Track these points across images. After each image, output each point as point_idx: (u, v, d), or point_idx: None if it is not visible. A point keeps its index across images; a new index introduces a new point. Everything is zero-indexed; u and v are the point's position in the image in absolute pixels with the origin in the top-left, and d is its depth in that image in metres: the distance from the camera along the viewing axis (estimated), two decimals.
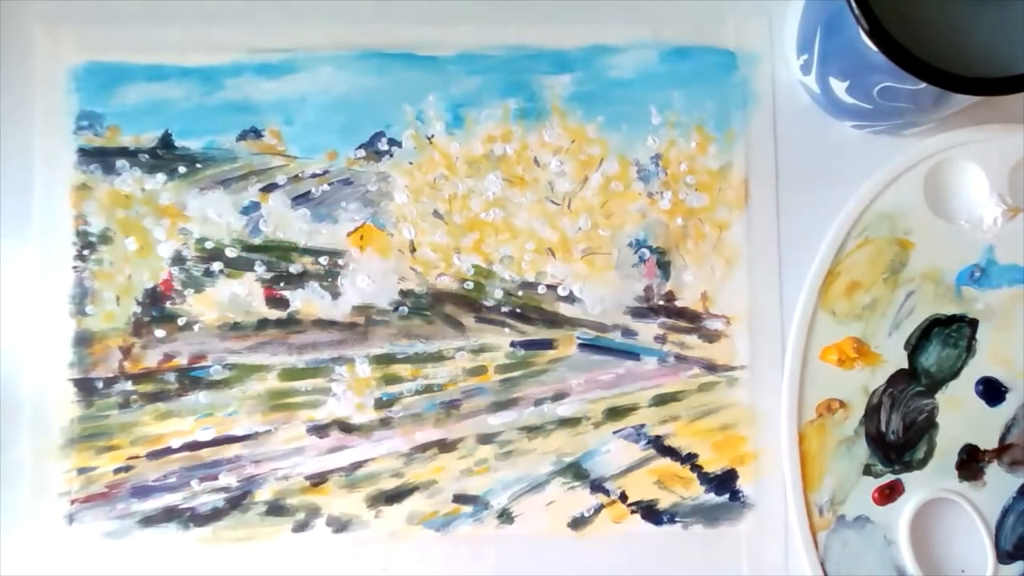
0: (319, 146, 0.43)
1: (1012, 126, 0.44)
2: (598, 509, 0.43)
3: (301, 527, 0.42)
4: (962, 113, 0.42)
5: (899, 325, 0.44)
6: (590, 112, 0.44)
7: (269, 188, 0.43)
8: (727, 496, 0.43)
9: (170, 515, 0.42)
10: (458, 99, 0.44)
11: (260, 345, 0.43)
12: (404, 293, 0.43)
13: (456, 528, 0.43)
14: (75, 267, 0.42)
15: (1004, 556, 0.43)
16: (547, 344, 0.43)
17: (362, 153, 0.43)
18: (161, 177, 0.43)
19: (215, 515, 0.42)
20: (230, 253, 0.43)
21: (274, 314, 0.43)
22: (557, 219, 0.44)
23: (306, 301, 0.43)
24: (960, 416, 0.44)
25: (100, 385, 0.42)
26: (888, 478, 0.43)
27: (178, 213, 0.43)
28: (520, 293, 0.43)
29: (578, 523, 0.43)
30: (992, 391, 0.44)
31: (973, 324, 0.44)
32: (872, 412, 0.44)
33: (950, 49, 0.38)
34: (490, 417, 0.43)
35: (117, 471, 0.42)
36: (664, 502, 0.43)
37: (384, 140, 0.43)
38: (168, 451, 0.42)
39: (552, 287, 0.44)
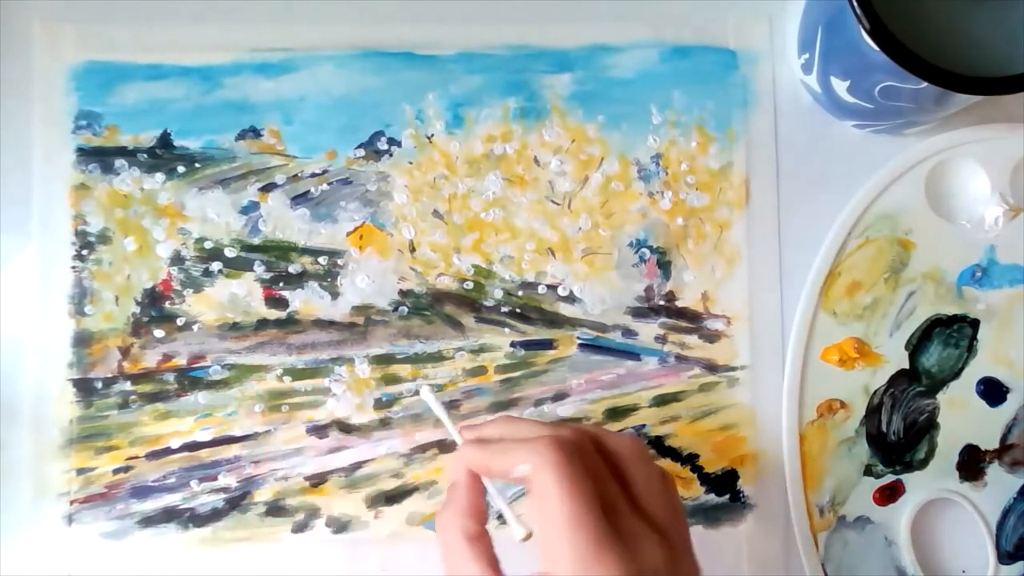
0: (318, 145, 0.43)
1: (1014, 126, 0.44)
2: None
3: (301, 527, 0.42)
4: (963, 112, 0.42)
5: (900, 325, 0.44)
6: (590, 112, 0.44)
7: (268, 188, 0.43)
8: (728, 497, 0.43)
9: (170, 515, 0.42)
10: (458, 98, 0.44)
11: (259, 345, 0.43)
12: (404, 293, 0.43)
13: None
14: (74, 267, 0.42)
15: (1005, 556, 0.43)
16: (547, 344, 0.43)
17: (361, 153, 0.43)
18: (160, 177, 0.43)
19: (215, 515, 0.42)
20: (229, 253, 0.43)
21: (273, 314, 0.43)
22: (557, 219, 0.44)
23: (305, 301, 0.43)
24: (961, 416, 0.44)
25: (99, 385, 0.42)
26: (889, 478, 0.43)
27: (177, 213, 0.43)
28: (520, 293, 0.43)
29: None
30: (993, 391, 0.44)
31: (974, 324, 0.44)
32: (873, 412, 0.44)
33: (951, 48, 0.37)
34: (490, 417, 0.43)
35: (116, 471, 0.42)
36: None
37: (384, 139, 0.43)
38: (167, 451, 0.42)
39: (552, 287, 0.43)
